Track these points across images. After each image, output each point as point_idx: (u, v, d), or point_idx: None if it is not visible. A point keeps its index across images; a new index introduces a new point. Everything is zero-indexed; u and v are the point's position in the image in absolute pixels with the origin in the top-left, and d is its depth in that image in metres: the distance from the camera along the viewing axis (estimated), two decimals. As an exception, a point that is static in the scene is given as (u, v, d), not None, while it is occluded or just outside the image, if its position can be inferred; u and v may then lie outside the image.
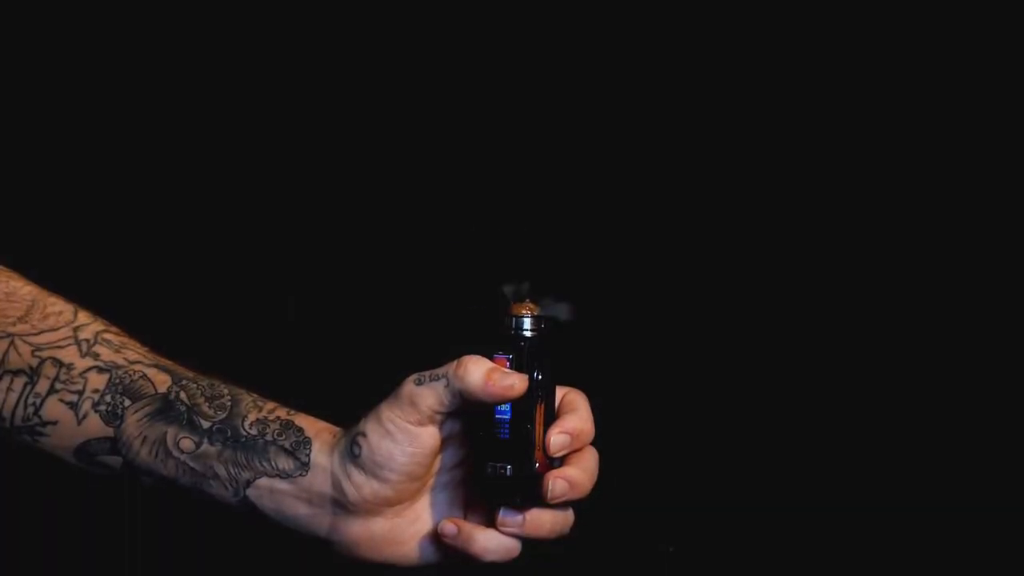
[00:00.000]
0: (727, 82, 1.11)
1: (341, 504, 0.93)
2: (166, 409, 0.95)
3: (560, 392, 0.96)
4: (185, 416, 0.94)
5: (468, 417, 0.94)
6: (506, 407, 0.92)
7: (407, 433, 0.92)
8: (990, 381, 1.38)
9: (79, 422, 0.94)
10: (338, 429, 0.96)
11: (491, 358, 0.92)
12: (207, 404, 0.95)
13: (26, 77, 1.38)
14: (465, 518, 0.95)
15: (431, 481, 0.95)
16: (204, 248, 1.39)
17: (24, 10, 1.36)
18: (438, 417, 0.92)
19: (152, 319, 1.05)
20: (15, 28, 1.37)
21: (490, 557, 0.92)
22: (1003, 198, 1.37)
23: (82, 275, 1.12)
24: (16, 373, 0.94)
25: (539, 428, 0.92)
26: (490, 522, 0.93)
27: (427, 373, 0.92)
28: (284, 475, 0.94)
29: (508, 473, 0.92)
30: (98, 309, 0.99)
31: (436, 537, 0.93)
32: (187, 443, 0.94)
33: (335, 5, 1.37)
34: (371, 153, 1.33)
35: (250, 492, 0.94)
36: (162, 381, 0.96)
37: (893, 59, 1.37)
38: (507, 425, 0.92)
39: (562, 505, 0.93)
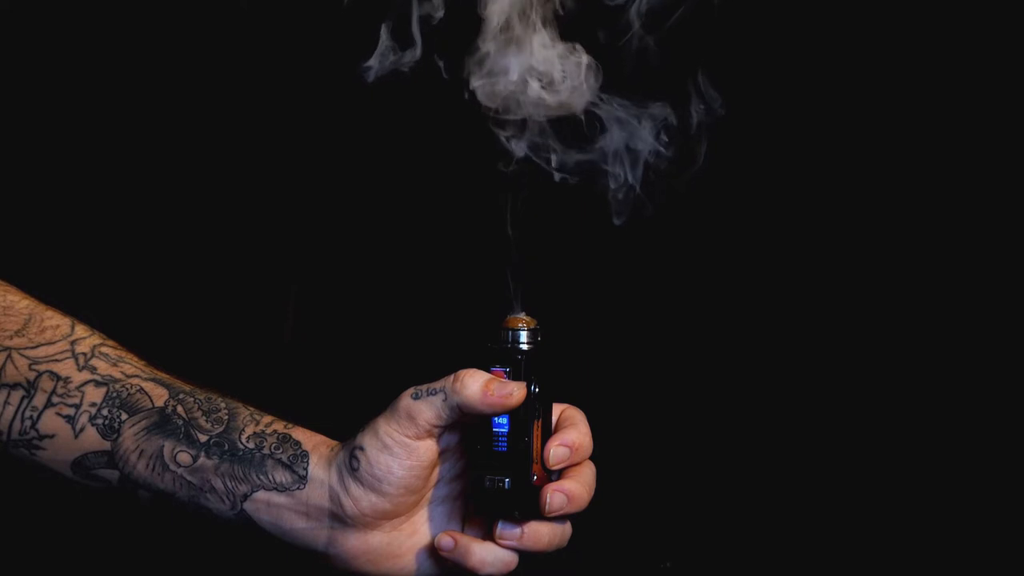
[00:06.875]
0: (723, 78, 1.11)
1: (339, 517, 0.93)
2: (163, 423, 0.94)
3: (558, 408, 0.96)
4: (182, 430, 0.94)
5: (466, 430, 0.94)
6: (504, 420, 0.92)
7: (405, 447, 0.92)
8: (990, 381, 1.37)
9: (76, 435, 0.94)
10: (335, 442, 0.96)
11: (488, 371, 0.92)
12: (204, 418, 0.95)
13: (19, 94, 1.38)
14: (463, 531, 0.95)
15: (429, 494, 0.95)
16: (202, 261, 1.39)
17: (20, 14, 1.37)
18: (436, 431, 0.92)
19: (149, 332, 1.05)
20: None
21: (487, 570, 0.92)
22: (1003, 198, 1.37)
23: (79, 288, 1.12)
24: (13, 387, 0.94)
25: (537, 441, 0.92)
26: (488, 535, 0.93)
27: (424, 387, 0.92)
28: (281, 488, 0.94)
29: (506, 486, 0.91)
30: (95, 322, 0.99)
31: (434, 550, 0.93)
32: (184, 457, 0.94)
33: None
34: (368, 164, 1.34)
35: (247, 506, 0.94)
36: (159, 395, 0.95)
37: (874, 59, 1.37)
38: (505, 438, 0.92)
39: (560, 518, 0.93)
